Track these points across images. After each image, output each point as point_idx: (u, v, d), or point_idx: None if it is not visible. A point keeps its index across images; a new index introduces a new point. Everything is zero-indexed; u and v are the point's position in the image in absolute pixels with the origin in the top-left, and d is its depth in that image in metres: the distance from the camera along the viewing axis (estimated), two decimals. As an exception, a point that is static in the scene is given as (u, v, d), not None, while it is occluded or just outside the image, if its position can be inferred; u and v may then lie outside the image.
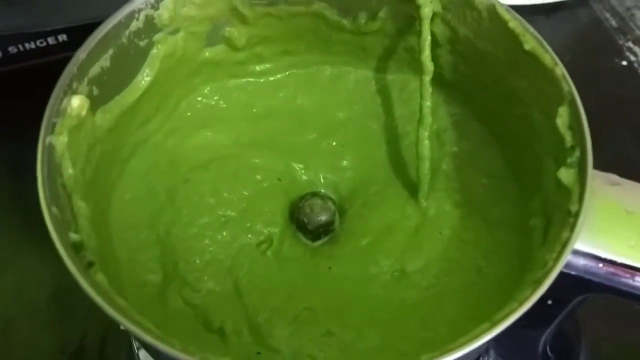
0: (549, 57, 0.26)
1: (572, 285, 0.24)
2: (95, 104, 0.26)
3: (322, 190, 0.33)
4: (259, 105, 0.34)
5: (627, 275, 0.24)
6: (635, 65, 0.47)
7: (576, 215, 0.23)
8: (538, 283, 0.22)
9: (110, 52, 0.27)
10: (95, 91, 0.26)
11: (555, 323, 0.29)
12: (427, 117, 0.30)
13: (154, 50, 0.29)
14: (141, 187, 0.30)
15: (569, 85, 0.25)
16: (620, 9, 0.50)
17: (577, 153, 0.25)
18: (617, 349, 0.35)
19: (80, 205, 0.24)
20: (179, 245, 0.29)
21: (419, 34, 0.29)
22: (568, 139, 0.25)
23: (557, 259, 0.22)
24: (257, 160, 0.32)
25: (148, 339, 0.20)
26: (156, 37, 0.29)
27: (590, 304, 0.32)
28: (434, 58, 0.30)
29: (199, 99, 0.33)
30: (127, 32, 0.27)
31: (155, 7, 0.28)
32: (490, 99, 0.31)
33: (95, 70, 0.26)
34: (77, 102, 0.25)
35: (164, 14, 0.28)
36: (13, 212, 0.38)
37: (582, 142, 0.24)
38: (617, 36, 0.49)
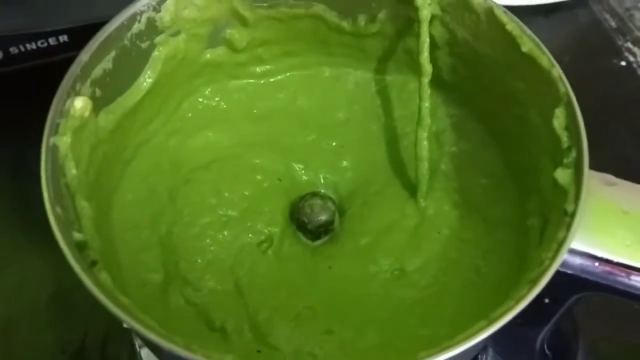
0: (546, 59, 0.26)
1: (568, 284, 0.24)
2: (98, 105, 0.27)
3: (322, 190, 0.33)
4: (259, 106, 0.34)
5: (623, 274, 0.24)
6: (634, 65, 0.47)
7: (572, 215, 0.23)
8: (534, 282, 0.22)
9: (113, 54, 0.27)
10: (98, 93, 0.26)
11: (552, 321, 0.29)
12: (425, 118, 0.30)
13: (156, 52, 0.29)
14: (143, 187, 0.30)
15: (566, 87, 0.26)
16: (619, 9, 0.50)
17: (573, 154, 0.25)
18: (615, 348, 0.35)
19: (84, 206, 0.24)
20: (180, 244, 0.29)
21: (417, 36, 0.30)
22: (564, 139, 0.25)
23: (553, 258, 0.22)
24: (257, 161, 0.32)
25: (152, 336, 0.20)
26: (158, 39, 0.29)
27: (588, 304, 0.32)
28: (433, 60, 0.30)
29: (200, 100, 0.33)
30: (129, 34, 0.27)
31: (156, 9, 0.28)
32: (489, 100, 0.31)
33: (97, 72, 0.26)
34: (80, 104, 0.25)
35: (165, 16, 0.28)
36: (13, 212, 0.38)
37: (578, 143, 0.25)
38: (616, 37, 0.49)
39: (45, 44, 0.38)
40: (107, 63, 0.27)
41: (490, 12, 0.28)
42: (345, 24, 0.32)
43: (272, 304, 0.28)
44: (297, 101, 0.34)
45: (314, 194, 0.32)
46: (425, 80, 0.30)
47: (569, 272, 0.24)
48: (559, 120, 0.26)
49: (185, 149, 0.32)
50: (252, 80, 0.34)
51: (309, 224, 0.31)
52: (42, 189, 0.23)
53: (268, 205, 0.31)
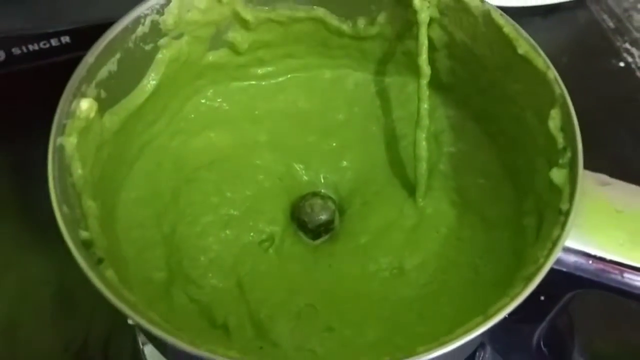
0: (542, 61, 0.27)
1: (563, 281, 0.25)
2: (103, 106, 0.27)
3: (323, 190, 0.33)
4: (260, 108, 0.34)
5: (616, 272, 0.24)
6: (633, 66, 0.47)
7: (567, 214, 0.23)
8: (529, 279, 0.22)
9: (117, 56, 0.27)
10: (103, 94, 0.27)
11: (548, 318, 0.29)
12: (424, 119, 0.31)
13: (159, 55, 0.29)
14: (147, 187, 0.30)
15: (561, 89, 0.26)
16: (617, 10, 0.50)
17: (568, 154, 0.25)
18: (609, 346, 0.35)
19: (90, 205, 0.24)
20: (183, 243, 0.29)
21: (416, 38, 0.30)
22: (560, 140, 0.25)
23: (548, 256, 0.23)
24: (258, 161, 0.32)
25: (158, 332, 0.20)
26: (161, 41, 0.29)
27: (583, 302, 0.32)
28: (431, 62, 0.30)
29: (203, 101, 0.33)
30: (133, 37, 0.28)
31: (160, 12, 0.28)
32: (486, 101, 0.31)
33: (103, 73, 0.26)
34: (85, 105, 0.25)
35: (168, 19, 0.28)
36: (17, 212, 0.38)
37: (573, 143, 0.25)
38: (615, 37, 0.48)
39: (48, 45, 0.38)
40: (112, 65, 0.27)
41: (487, 15, 0.28)
42: (345, 27, 0.32)
43: (273, 301, 0.28)
44: (297, 102, 0.34)
45: (315, 194, 0.32)
46: (424, 81, 0.30)
47: (563, 269, 0.24)
48: (554, 121, 0.26)
49: (188, 150, 0.32)
50: (253, 82, 0.34)
51: (310, 223, 0.31)
52: (49, 188, 0.23)
53: (269, 204, 0.32)
